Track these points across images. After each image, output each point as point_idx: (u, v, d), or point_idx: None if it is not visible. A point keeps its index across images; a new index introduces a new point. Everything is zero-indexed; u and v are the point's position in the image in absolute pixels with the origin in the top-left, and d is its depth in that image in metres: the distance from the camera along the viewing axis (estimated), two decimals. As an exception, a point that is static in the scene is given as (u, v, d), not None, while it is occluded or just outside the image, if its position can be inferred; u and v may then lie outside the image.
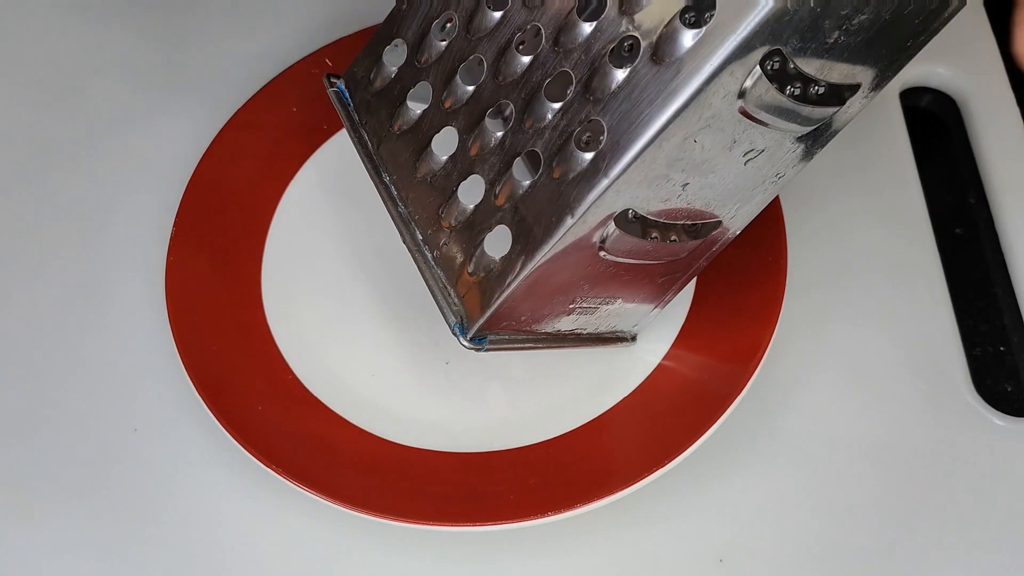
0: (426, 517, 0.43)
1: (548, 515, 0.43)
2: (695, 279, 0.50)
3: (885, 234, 0.54)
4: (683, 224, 0.40)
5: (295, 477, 0.44)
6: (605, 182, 0.36)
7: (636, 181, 0.37)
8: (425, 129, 0.43)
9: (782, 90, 0.35)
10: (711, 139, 0.36)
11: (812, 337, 0.51)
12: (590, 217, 0.37)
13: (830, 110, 0.37)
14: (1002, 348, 0.54)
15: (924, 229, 0.54)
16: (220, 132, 0.54)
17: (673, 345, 0.48)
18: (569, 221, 0.37)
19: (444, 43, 0.43)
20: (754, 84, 0.34)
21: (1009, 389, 0.52)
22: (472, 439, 0.47)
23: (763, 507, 0.47)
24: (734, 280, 0.49)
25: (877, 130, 0.58)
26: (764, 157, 0.38)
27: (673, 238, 0.41)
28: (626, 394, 0.47)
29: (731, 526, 0.46)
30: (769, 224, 0.50)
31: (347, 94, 0.47)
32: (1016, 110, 0.58)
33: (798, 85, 0.36)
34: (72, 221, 0.57)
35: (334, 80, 0.48)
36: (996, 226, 0.56)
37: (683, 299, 0.49)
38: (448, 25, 0.43)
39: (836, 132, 0.39)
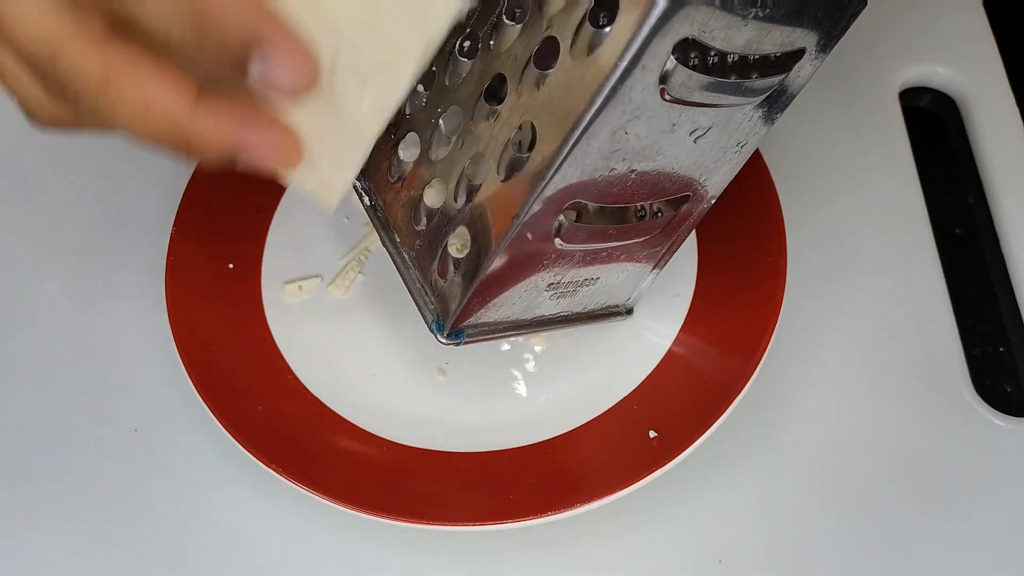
0: (426, 517, 0.43)
1: (548, 515, 0.43)
2: (695, 279, 0.50)
3: (885, 234, 0.54)
4: (649, 204, 0.41)
5: (295, 477, 0.44)
6: (542, 182, 0.37)
7: (574, 177, 0.37)
8: (393, 135, 0.44)
9: (705, 72, 0.35)
10: (644, 128, 0.36)
11: (811, 337, 0.51)
12: (534, 214, 0.38)
13: (774, 79, 0.37)
14: (1002, 348, 0.54)
15: (924, 229, 0.54)
16: (220, 132, 0.54)
17: (669, 350, 0.48)
18: (515, 221, 0.38)
19: None
20: (673, 71, 0.34)
21: (1009, 389, 0.52)
22: (471, 439, 0.47)
23: (763, 508, 0.47)
24: (734, 280, 0.49)
25: (877, 130, 0.58)
26: (715, 132, 0.39)
27: (640, 216, 0.42)
28: (625, 394, 0.47)
29: (731, 526, 0.46)
30: (769, 224, 0.50)
31: None
32: (1016, 110, 0.59)
33: (716, 64, 0.36)
34: (72, 221, 0.57)
35: None
36: (996, 226, 0.56)
37: (682, 300, 0.49)
38: None
39: (793, 96, 0.39)
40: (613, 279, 0.45)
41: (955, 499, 0.47)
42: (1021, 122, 0.58)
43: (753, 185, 0.50)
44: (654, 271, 0.46)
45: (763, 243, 0.49)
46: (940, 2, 0.63)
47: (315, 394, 0.48)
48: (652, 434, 0.45)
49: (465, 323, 0.42)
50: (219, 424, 0.45)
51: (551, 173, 0.36)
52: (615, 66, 0.33)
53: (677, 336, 0.49)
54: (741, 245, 0.50)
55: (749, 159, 0.42)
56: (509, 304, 0.43)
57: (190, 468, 0.49)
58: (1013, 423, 0.49)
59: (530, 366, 0.49)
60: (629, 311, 0.48)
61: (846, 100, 0.59)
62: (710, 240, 0.50)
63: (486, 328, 0.44)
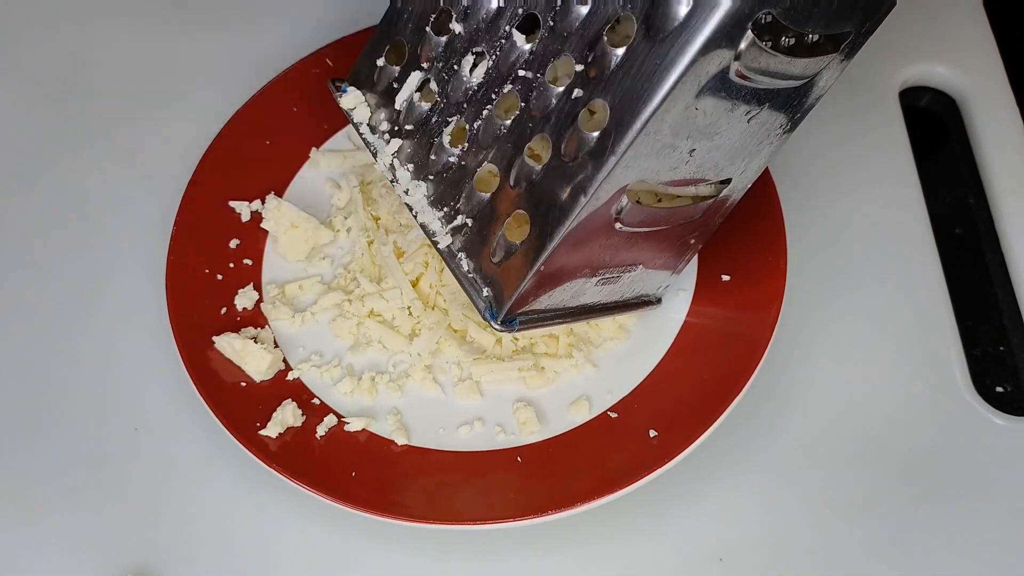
0: (425, 516, 0.43)
1: (548, 514, 0.43)
2: (695, 279, 0.50)
3: (885, 234, 0.54)
4: (695, 187, 0.41)
5: (295, 476, 0.44)
6: (613, 159, 0.37)
7: (643, 154, 0.37)
8: (435, 124, 0.44)
9: (776, 47, 0.36)
10: (712, 104, 0.37)
11: (811, 337, 0.51)
12: (602, 194, 0.38)
13: (824, 59, 0.38)
14: (1002, 348, 0.54)
15: (924, 229, 0.54)
16: (220, 132, 0.54)
17: (668, 349, 0.48)
18: (583, 200, 0.38)
19: (444, 38, 0.44)
20: (747, 48, 0.35)
21: (1009, 389, 0.52)
22: (471, 438, 0.47)
23: (763, 507, 0.47)
24: (734, 280, 0.49)
25: (877, 130, 0.58)
26: (766, 112, 0.39)
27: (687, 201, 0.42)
28: (625, 394, 0.47)
29: (731, 526, 0.46)
30: (769, 224, 0.50)
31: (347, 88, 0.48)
32: (1016, 110, 0.59)
33: (791, 39, 0.37)
34: (72, 221, 0.57)
35: (339, 84, 0.48)
36: (996, 226, 0.56)
37: (681, 302, 0.50)
38: (445, 19, 0.44)
39: (822, 94, 0.40)
40: (652, 266, 0.45)
41: (955, 498, 0.47)
42: (1021, 122, 0.58)
43: (753, 185, 0.50)
44: (685, 259, 0.47)
45: (763, 243, 0.49)
46: (940, 2, 0.63)
47: (315, 393, 0.48)
48: (652, 433, 0.45)
49: (520, 309, 0.42)
50: (219, 423, 0.45)
51: (624, 148, 0.37)
52: (696, 39, 0.34)
53: (677, 336, 0.49)
54: (741, 244, 0.50)
55: (776, 153, 0.42)
56: (561, 290, 0.43)
57: (190, 467, 0.49)
58: (1013, 422, 0.49)
59: (530, 362, 0.49)
60: (658, 300, 0.49)
61: (846, 99, 0.59)
62: (710, 240, 0.50)
63: (535, 315, 0.43)
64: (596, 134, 0.37)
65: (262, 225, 0.53)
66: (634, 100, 0.36)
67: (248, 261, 0.52)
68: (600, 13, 0.38)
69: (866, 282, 0.53)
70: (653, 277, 0.47)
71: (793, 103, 0.40)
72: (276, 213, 0.52)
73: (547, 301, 0.43)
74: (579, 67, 0.38)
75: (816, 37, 0.38)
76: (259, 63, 0.60)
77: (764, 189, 0.51)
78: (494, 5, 0.42)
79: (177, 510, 0.48)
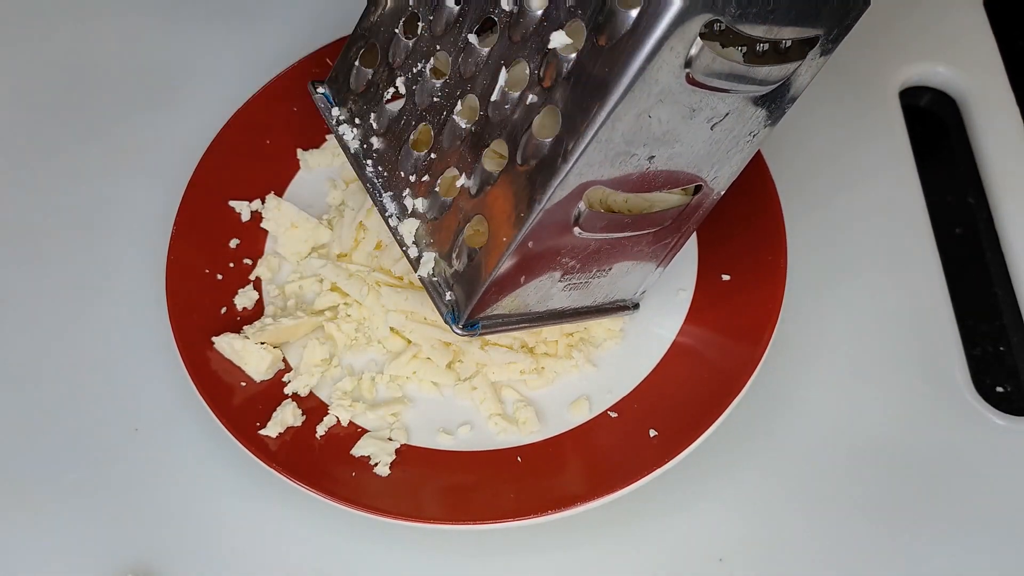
0: (424, 516, 0.43)
1: (548, 514, 0.43)
2: (695, 279, 0.50)
3: (885, 234, 0.54)
4: (661, 192, 0.41)
5: (295, 476, 0.44)
6: (565, 167, 0.37)
7: (597, 162, 0.37)
8: (403, 127, 0.44)
9: (728, 55, 0.36)
10: (667, 112, 0.37)
11: (812, 336, 0.51)
12: (557, 201, 0.38)
13: (790, 67, 0.37)
14: (1002, 348, 0.54)
15: (924, 229, 0.54)
16: (220, 132, 0.54)
17: (668, 349, 0.48)
18: (536, 207, 0.38)
19: (411, 42, 0.44)
20: (699, 54, 0.35)
21: (1009, 389, 0.52)
22: (471, 438, 0.47)
23: (763, 507, 0.47)
24: (734, 280, 0.49)
25: (877, 130, 0.58)
26: (731, 119, 0.39)
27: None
28: (625, 393, 0.47)
29: (730, 526, 0.46)
30: (769, 224, 0.50)
31: (331, 98, 0.48)
32: (1016, 110, 0.59)
33: (743, 47, 0.37)
34: (72, 220, 0.57)
35: (317, 85, 0.48)
36: (996, 226, 0.56)
37: (683, 300, 0.49)
38: (413, 22, 0.43)
39: (802, 87, 0.39)
40: (623, 272, 0.45)
41: (955, 498, 0.47)
42: (1021, 122, 0.58)
43: (753, 185, 0.50)
44: (660, 266, 0.46)
45: (763, 242, 0.49)
46: (940, 2, 0.63)
47: (315, 393, 0.48)
48: (652, 433, 0.45)
49: (481, 314, 0.42)
50: (220, 423, 0.45)
51: (576, 156, 0.36)
52: (644, 46, 0.34)
53: (677, 336, 0.49)
54: (741, 244, 0.50)
55: (750, 159, 0.42)
56: (524, 295, 0.42)
57: (190, 467, 0.49)
58: (1013, 423, 0.49)
59: (531, 364, 0.49)
60: (636, 305, 0.48)
61: (846, 99, 0.59)
62: (710, 240, 0.50)
63: (499, 320, 0.43)
64: (548, 141, 0.37)
65: (262, 225, 0.53)
66: (584, 108, 0.36)
67: (248, 261, 0.52)
68: (552, 19, 0.37)
69: (866, 282, 0.53)
70: (627, 283, 0.46)
71: (763, 108, 0.39)
72: (276, 213, 0.52)
73: (511, 305, 0.43)
74: (533, 73, 0.38)
75: (789, 43, 0.37)
76: (259, 63, 0.60)
77: (764, 189, 0.51)
78: (455, 9, 0.41)
79: (177, 510, 0.48)
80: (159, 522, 0.47)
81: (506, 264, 0.40)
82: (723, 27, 0.35)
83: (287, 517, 0.47)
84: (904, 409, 0.49)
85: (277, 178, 0.55)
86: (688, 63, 0.35)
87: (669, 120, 0.37)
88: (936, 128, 0.62)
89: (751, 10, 0.34)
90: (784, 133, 0.56)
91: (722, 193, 0.43)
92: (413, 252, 0.43)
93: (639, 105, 0.36)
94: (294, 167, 0.55)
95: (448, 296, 0.42)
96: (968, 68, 0.61)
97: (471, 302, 0.41)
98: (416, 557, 0.46)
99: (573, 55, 0.36)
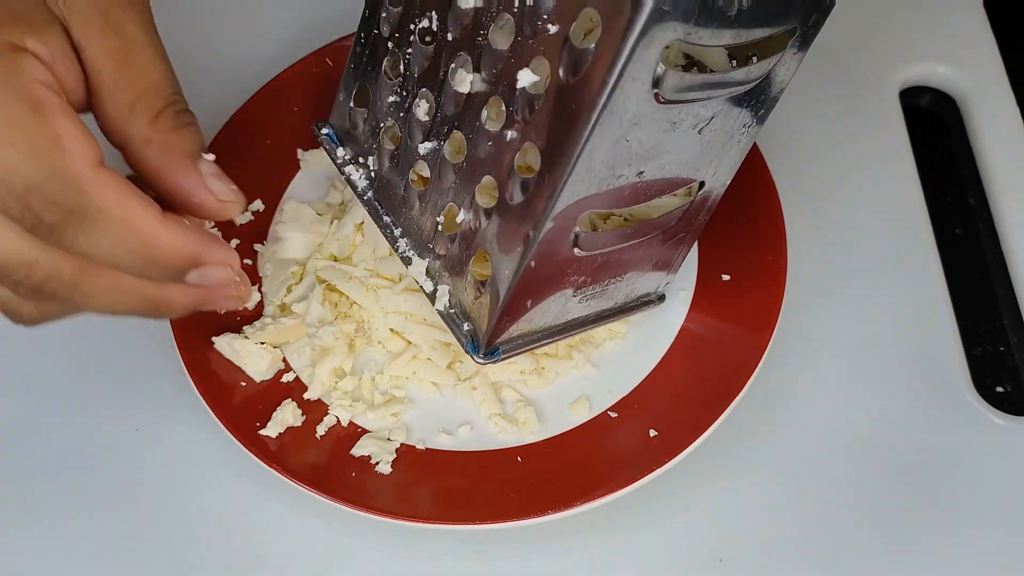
0: (424, 516, 0.43)
1: (548, 514, 0.43)
2: (695, 279, 0.50)
3: (885, 234, 0.54)
4: (661, 199, 0.41)
5: (295, 476, 0.44)
6: (551, 202, 0.37)
7: (582, 191, 0.37)
8: (403, 167, 0.44)
9: (696, 70, 0.35)
10: (645, 132, 0.36)
11: (812, 337, 0.51)
12: (548, 232, 0.38)
13: (768, 62, 0.37)
14: (1002, 348, 0.54)
15: (924, 229, 0.54)
16: (220, 132, 0.54)
17: (669, 349, 0.48)
18: (530, 239, 0.38)
19: (397, 85, 0.43)
20: (664, 75, 0.34)
21: (1009, 389, 0.52)
22: (471, 438, 0.47)
23: (763, 507, 0.47)
24: (734, 280, 0.49)
25: (877, 130, 0.58)
26: (719, 121, 0.39)
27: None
28: (625, 393, 0.47)
29: (731, 526, 0.46)
30: (769, 224, 0.50)
31: (335, 138, 0.48)
32: (1016, 110, 0.58)
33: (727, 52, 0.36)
34: (72, 221, 0.57)
35: (321, 126, 0.48)
36: (996, 226, 0.56)
37: (681, 302, 0.49)
38: (396, 63, 0.43)
39: (787, 79, 0.39)
40: (639, 274, 0.45)
41: (955, 498, 0.47)
42: (1021, 122, 0.58)
43: (753, 184, 0.50)
44: (679, 258, 0.46)
45: (763, 242, 0.49)
46: (940, 2, 0.63)
47: (315, 393, 0.48)
48: (652, 433, 0.45)
49: (499, 340, 0.43)
50: (220, 423, 0.45)
51: (558, 191, 0.37)
52: (604, 82, 0.34)
53: (677, 336, 0.49)
54: (741, 244, 0.50)
55: (749, 158, 0.42)
56: (540, 315, 0.43)
57: (191, 467, 0.49)
58: (1013, 422, 0.49)
59: (530, 365, 0.49)
60: (661, 298, 0.48)
61: (846, 99, 0.59)
62: (710, 240, 0.50)
63: (520, 341, 0.44)
64: (531, 177, 0.37)
65: (276, 226, 0.53)
66: (558, 144, 0.36)
67: (248, 261, 0.52)
68: (519, 55, 0.37)
69: (866, 282, 0.53)
70: (648, 280, 0.46)
71: (749, 104, 0.39)
72: (292, 216, 0.52)
73: (529, 327, 0.43)
74: (509, 111, 0.38)
75: (764, 42, 0.37)
76: (259, 63, 0.60)
77: (764, 189, 0.51)
78: (430, 49, 0.41)
79: (177, 510, 0.48)
80: (159, 522, 0.47)
81: (513, 295, 0.40)
82: (681, 50, 0.35)
83: (287, 517, 0.47)
84: (904, 409, 0.49)
85: (277, 178, 0.55)
86: (656, 83, 0.35)
87: (650, 138, 0.37)
88: (936, 128, 0.62)
89: (710, 24, 0.34)
90: (784, 133, 0.56)
91: (727, 183, 0.43)
92: (428, 287, 0.44)
93: (612, 134, 0.36)
94: (294, 167, 0.55)
95: (466, 327, 0.43)
96: (968, 68, 0.61)
97: (486, 333, 0.42)
98: (416, 557, 0.46)
99: (542, 92, 0.36)
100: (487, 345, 0.43)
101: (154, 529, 0.47)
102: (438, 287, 0.43)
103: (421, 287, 0.44)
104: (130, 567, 0.46)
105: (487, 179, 0.40)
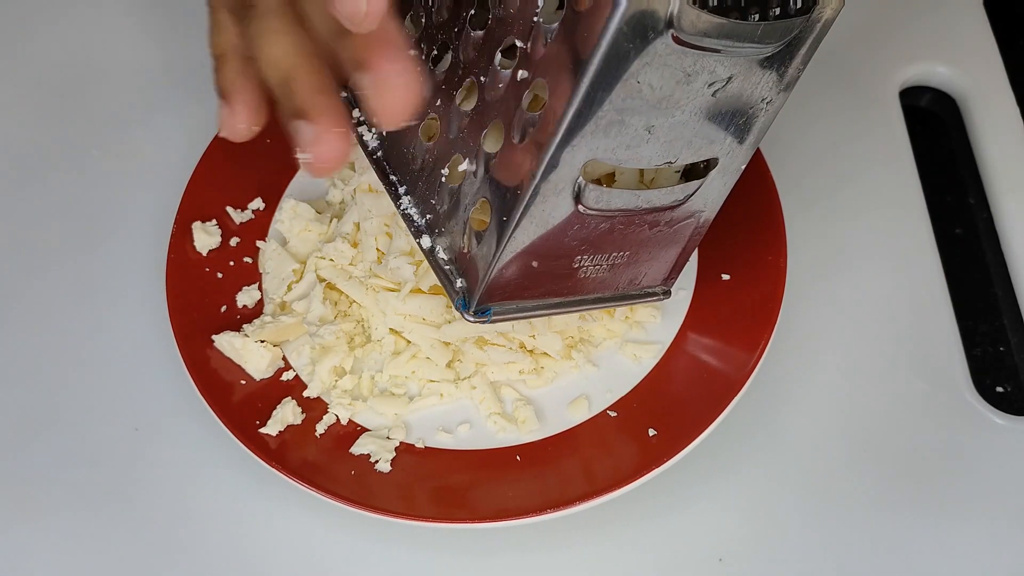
0: (426, 515, 0.43)
1: (547, 513, 0.43)
2: (695, 278, 0.50)
3: (885, 234, 0.54)
4: (670, 165, 0.40)
5: (295, 475, 0.44)
6: (555, 140, 0.36)
7: (589, 132, 0.36)
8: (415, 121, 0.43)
9: (711, 9, 0.34)
10: (656, 77, 0.35)
11: (811, 336, 0.51)
12: (552, 176, 0.37)
13: (790, 22, 0.36)
14: (1002, 348, 0.54)
15: (924, 229, 0.54)
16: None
17: (668, 348, 0.48)
18: (532, 183, 0.37)
19: (416, 40, 0.43)
20: (680, 12, 0.33)
21: (1009, 389, 0.52)
22: (471, 437, 0.47)
23: (763, 506, 0.47)
24: (734, 279, 0.49)
25: (877, 129, 0.58)
26: (737, 85, 0.37)
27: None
28: (625, 392, 0.47)
29: (731, 526, 0.46)
30: (769, 223, 0.50)
31: (352, 101, 0.47)
32: (1016, 110, 0.59)
33: (728, 4, 0.35)
34: (72, 221, 0.57)
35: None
36: (996, 226, 0.56)
37: (682, 299, 0.49)
38: (418, 14, 0.43)
39: (813, 49, 0.37)
40: (646, 256, 0.44)
41: (955, 498, 0.47)
42: (1021, 122, 0.58)
43: (753, 184, 0.50)
44: (687, 250, 0.45)
45: (763, 242, 0.49)
46: (940, 2, 0.63)
47: (316, 392, 0.48)
48: (652, 432, 0.45)
49: (492, 300, 0.41)
50: (220, 423, 0.45)
51: (564, 128, 0.35)
52: (613, 11, 0.32)
53: (677, 335, 0.49)
54: (741, 244, 0.50)
55: (768, 127, 0.40)
56: (537, 280, 0.42)
57: (191, 467, 0.49)
58: (1013, 422, 0.49)
59: (530, 365, 0.49)
60: (667, 292, 0.47)
61: (846, 99, 0.59)
62: (710, 239, 0.50)
63: (514, 307, 0.42)
64: (538, 115, 0.36)
65: (274, 225, 0.53)
66: (567, 78, 0.35)
67: (248, 259, 0.52)
68: None
69: (866, 281, 0.53)
70: (652, 268, 0.45)
71: (772, 71, 0.37)
72: (292, 214, 0.52)
73: (524, 292, 0.42)
74: (523, 49, 0.37)
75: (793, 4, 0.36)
76: (259, 63, 0.60)
77: (764, 188, 0.51)
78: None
79: (177, 509, 0.48)
80: (159, 521, 0.47)
81: (510, 245, 0.39)
82: None
83: (287, 515, 0.47)
84: (904, 409, 0.49)
85: (277, 178, 0.55)
86: (670, 23, 0.33)
87: (663, 86, 0.36)
88: (936, 128, 0.62)
89: None
90: (784, 133, 0.56)
91: (742, 168, 0.41)
92: (426, 243, 0.43)
93: (622, 71, 0.34)
94: (294, 166, 0.55)
95: (459, 283, 0.42)
96: (968, 68, 0.61)
97: (480, 287, 0.41)
98: (415, 555, 0.46)
99: (556, 24, 0.35)
100: (480, 302, 0.41)
101: (154, 527, 0.47)
102: (436, 241, 0.42)
103: (419, 244, 0.43)
104: (130, 566, 0.46)
105: (495, 123, 0.39)
